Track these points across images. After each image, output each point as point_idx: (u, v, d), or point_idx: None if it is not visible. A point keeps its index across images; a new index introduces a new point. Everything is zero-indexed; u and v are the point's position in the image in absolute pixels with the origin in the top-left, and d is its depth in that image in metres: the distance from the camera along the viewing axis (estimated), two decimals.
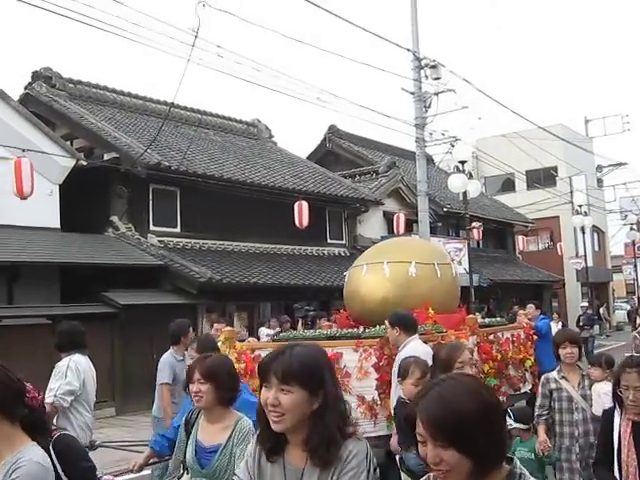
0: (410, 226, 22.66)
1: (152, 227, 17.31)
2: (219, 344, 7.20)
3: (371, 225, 24.12)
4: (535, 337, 9.77)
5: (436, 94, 19.82)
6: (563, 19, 74.89)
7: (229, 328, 7.91)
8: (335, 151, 28.02)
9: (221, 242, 18.58)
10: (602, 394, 5.12)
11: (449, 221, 26.75)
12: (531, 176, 34.33)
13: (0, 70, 39.28)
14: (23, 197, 12.25)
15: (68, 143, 17.15)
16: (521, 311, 11.13)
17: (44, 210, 15.33)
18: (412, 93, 19.90)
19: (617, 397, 3.99)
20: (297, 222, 17.18)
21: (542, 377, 5.60)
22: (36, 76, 18.96)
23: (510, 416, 6.00)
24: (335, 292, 20.00)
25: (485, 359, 8.09)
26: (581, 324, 21.37)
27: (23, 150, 12.41)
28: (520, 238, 31.19)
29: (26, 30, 54.42)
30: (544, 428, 5.47)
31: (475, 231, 21.07)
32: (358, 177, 25.63)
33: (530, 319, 10.26)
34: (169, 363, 7.18)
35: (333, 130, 27.98)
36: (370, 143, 29.26)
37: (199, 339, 5.61)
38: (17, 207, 13.33)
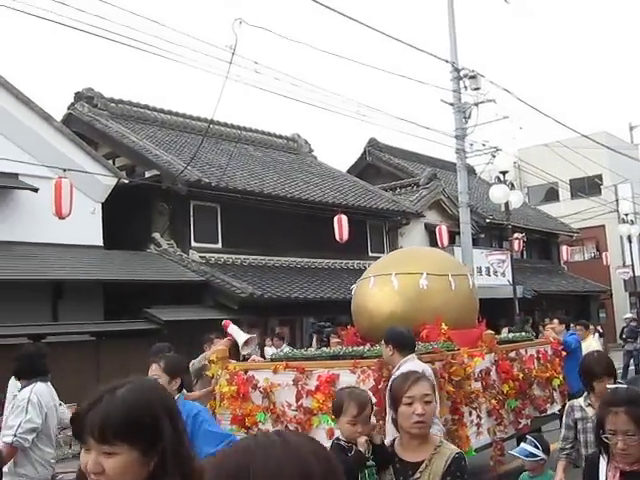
0: (452, 238, 22.46)
1: (193, 243, 17.41)
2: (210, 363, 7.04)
3: (413, 237, 23.95)
4: (564, 353, 9.06)
5: (476, 105, 19.65)
6: (604, 26, 73.98)
7: (222, 347, 7.22)
8: (375, 164, 27.95)
9: (262, 257, 18.60)
10: None
11: (492, 232, 26.44)
12: (575, 185, 33.83)
13: (44, 91, 40.06)
14: (61, 217, 12.41)
15: (110, 162, 17.39)
16: (548, 325, 10.23)
17: (87, 228, 15.54)
18: (451, 104, 19.77)
19: (602, 443, 3.26)
20: (337, 236, 17.13)
21: (567, 405, 4.88)
22: (78, 96, 19.31)
23: (535, 444, 5.18)
24: None
25: (504, 379, 7.53)
26: (624, 336, 20.86)
27: (64, 170, 12.58)
28: (565, 248, 30.74)
29: (69, 52, 55.53)
30: (564, 465, 4.74)
31: (516, 242, 20.78)
32: (399, 190, 25.50)
33: (557, 334, 9.49)
34: None
35: (373, 143, 27.93)
36: (410, 155, 29.14)
37: (167, 357, 4.67)
38: (61, 225, 13.51)
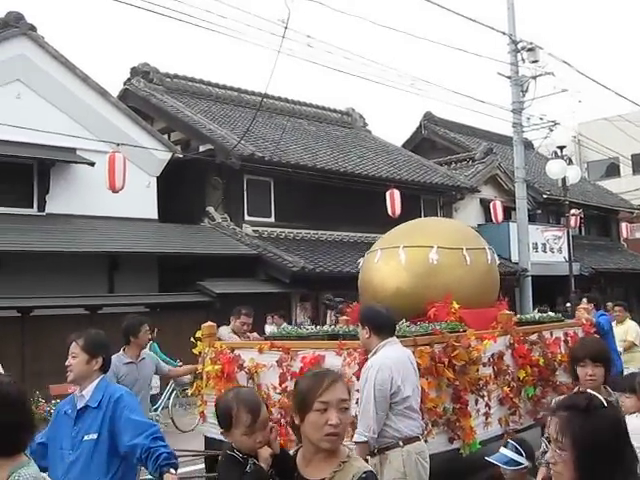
0: (508, 213, 22.19)
1: (247, 217, 17.56)
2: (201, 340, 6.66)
3: (468, 213, 23.69)
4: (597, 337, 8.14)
5: (534, 78, 19.32)
6: None
7: (209, 323, 6.86)
8: (431, 138, 27.67)
9: (314, 231, 18.65)
10: (635, 434, 3.96)
11: (549, 208, 25.96)
12: (637, 160, 33.01)
13: (101, 68, 40.65)
14: (115, 191, 12.61)
15: (165, 136, 17.62)
16: (581, 305, 9.21)
17: (142, 202, 15.83)
18: (509, 77, 19.47)
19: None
20: (390, 210, 17.06)
21: (553, 401, 4.26)
22: (134, 72, 19.56)
23: (517, 449, 4.49)
24: None
25: (521, 364, 6.81)
26: None
27: (117, 144, 12.77)
28: (625, 225, 29.99)
29: (125, 28, 56.14)
30: (545, 473, 4.03)
31: (574, 218, 20.39)
32: (454, 164, 25.22)
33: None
34: (111, 367, 6.10)
35: (428, 117, 27.62)
36: (466, 129, 28.75)
37: (87, 334, 4.10)
38: (117, 199, 13.77)
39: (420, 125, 27.78)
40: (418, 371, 5.11)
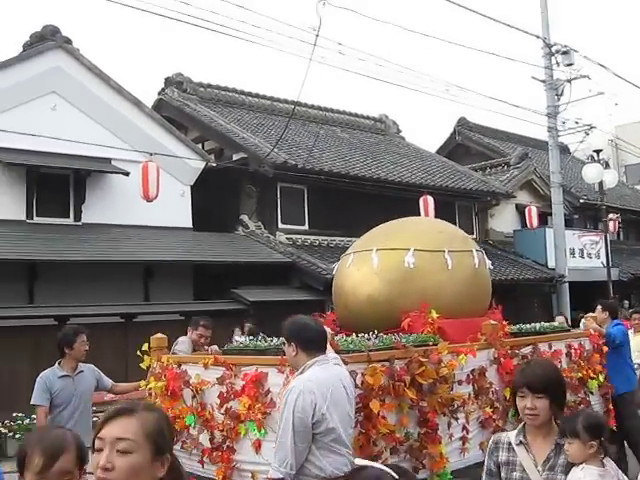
0: (544, 219, 21.94)
1: (280, 225, 17.59)
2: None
3: (503, 219, 23.51)
4: (605, 348, 7.42)
5: (569, 81, 19.12)
6: None
7: (159, 335, 6.24)
8: (465, 144, 27.52)
9: (348, 238, 18.54)
10: None
11: (586, 213, 25.62)
12: None
13: (135, 78, 41.15)
14: (149, 200, 12.71)
15: (199, 145, 17.75)
16: (589, 314, 8.18)
17: (177, 210, 15.96)
18: (543, 81, 19.29)
19: None
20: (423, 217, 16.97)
21: (491, 439, 3.56)
22: (168, 82, 19.75)
23: None
24: None
25: (508, 381, 5.75)
26: None
27: (151, 154, 12.89)
28: None
29: (158, 39, 56.76)
30: None
31: (611, 223, 20.10)
32: (489, 169, 25.04)
33: (600, 324, 7.79)
34: (44, 381, 5.98)
35: (462, 122, 27.48)
36: (501, 134, 28.55)
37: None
38: (152, 208, 13.88)
39: (454, 131, 27.66)
40: (369, 392, 4.68)
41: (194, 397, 5.41)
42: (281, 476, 3.84)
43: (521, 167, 24.16)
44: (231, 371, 5.08)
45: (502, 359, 5.98)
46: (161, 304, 14.00)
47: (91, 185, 14.90)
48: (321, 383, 3.95)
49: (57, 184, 14.56)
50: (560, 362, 6.58)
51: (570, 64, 18.86)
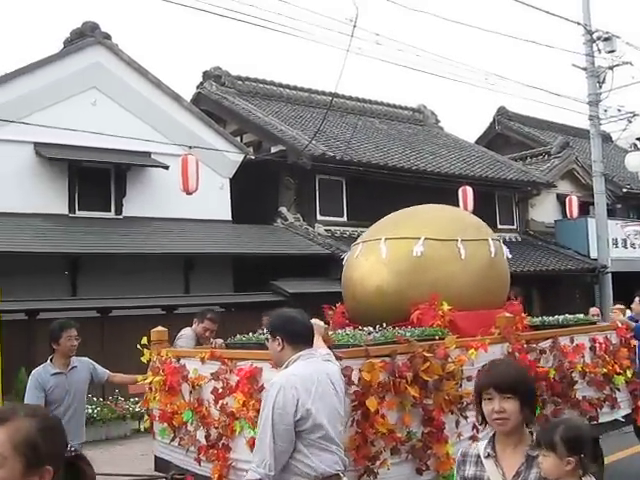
0: (586, 209, 21.63)
1: (319, 217, 17.61)
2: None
3: (544, 209, 23.24)
4: (635, 342, 7.20)
5: (610, 68, 18.80)
6: None
7: (160, 328, 6.11)
8: (505, 133, 27.21)
9: None
10: None
11: (629, 202, 25.21)
12: None
13: (174, 73, 41.52)
14: (188, 193, 12.80)
15: (238, 138, 17.84)
16: (616, 306, 7.73)
17: (216, 203, 16.07)
18: (584, 69, 19.00)
19: None
20: (462, 207, 16.84)
21: (459, 451, 3.20)
22: (207, 75, 19.89)
23: None
24: None
25: None
26: None
27: (190, 147, 12.98)
28: None
29: (196, 33, 57.09)
30: None
31: None
32: (529, 159, 24.73)
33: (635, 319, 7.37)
34: (37, 379, 5.80)
35: (502, 112, 27.17)
36: (541, 123, 28.17)
37: None
38: (192, 201, 13.99)
39: (494, 120, 27.37)
40: (367, 389, 4.49)
41: (191, 392, 5.26)
42: (258, 477, 3.59)
43: (562, 156, 23.83)
44: (226, 366, 4.90)
45: (517, 354, 5.64)
46: (201, 296, 14.11)
47: (131, 179, 15.08)
48: (305, 377, 3.70)
49: (98, 178, 14.76)
50: (583, 357, 6.32)
51: (612, 51, 18.55)
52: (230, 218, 16.49)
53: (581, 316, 7.18)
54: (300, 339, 3.88)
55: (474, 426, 5.08)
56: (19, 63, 15.92)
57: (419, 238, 6.11)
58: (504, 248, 6.72)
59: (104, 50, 15.10)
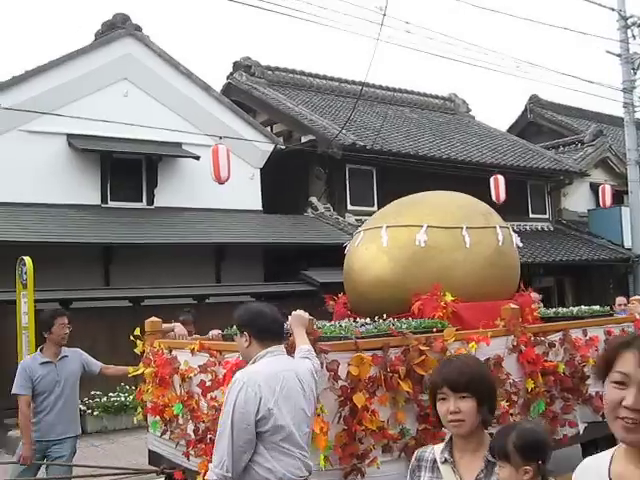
0: (620, 198, 21.35)
1: (349, 206, 17.58)
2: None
3: (577, 198, 22.98)
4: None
5: None
6: None
7: (154, 319, 5.97)
8: (537, 122, 26.92)
9: None
10: None
11: None
12: None
13: (204, 63, 41.63)
14: (220, 182, 12.85)
15: (268, 128, 17.85)
16: (636, 296, 7.41)
17: (246, 193, 16.12)
18: (618, 55, 18.75)
19: None
20: (494, 197, 16.71)
21: (414, 454, 2.94)
22: (237, 66, 19.92)
23: None
24: (539, 269, 19.38)
25: (529, 372, 5.34)
26: None
27: (220, 137, 13.03)
28: None
29: (225, 23, 57.19)
30: None
31: None
32: (562, 148, 24.46)
33: None
34: (24, 368, 5.80)
35: (534, 100, 26.86)
36: (574, 111, 27.81)
37: None
38: (222, 191, 14.06)
39: (525, 108, 27.08)
40: (355, 384, 4.28)
41: (181, 385, 5.11)
42: (215, 478, 3.40)
43: (595, 145, 23.53)
44: (215, 358, 4.74)
45: (523, 347, 5.37)
46: (232, 285, 14.20)
47: (163, 169, 15.18)
48: (270, 375, 3.50)
49: (130, 169, 14.88)
50: (597, 350, 5.97)
51: None
52: (261, 208, 16.54)
53: (597, 307, 6.86)
54: (268, 335, 3.68)
55: None
56: (52, 55, 16.13)
57: (422, 226, 5.86)
58: (514, 236, 6.48)
59: (135, 42, 15.19)
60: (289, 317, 4.25)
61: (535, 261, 18.18)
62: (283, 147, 17.11)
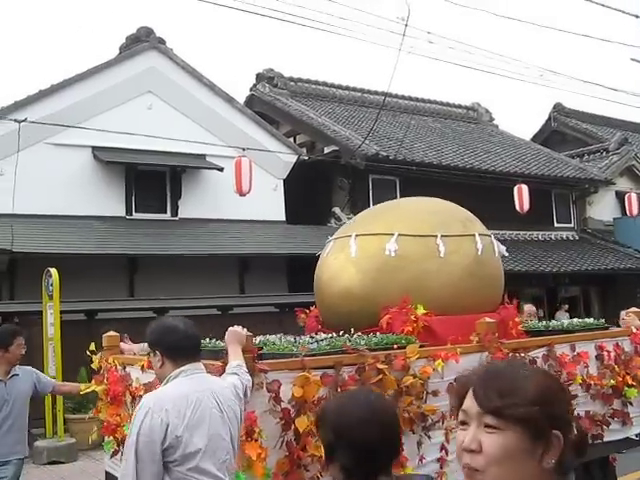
0: None
1: None
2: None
3: (602, 206, 22.78)
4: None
5: None
6: None
7: (112, 333, 5.63)
8: (561, 130, 26.76)
9: None
10: None
11: None
12: None
13: (227, 75, 41.88)
14: (242, 194, 12.89)
15: (291, 139, 17.92)
16: (632, 309, 6.64)
17: (270, 204, 16.16)
18: None
19: None
20: (517, 206, 16.61)
21: None
22: (259, 77, 20.05)
23: None
24: (564, 278, 19.23)
25: None
26: None
27: (244, 149, 13.08)
28: None
29: (248, 36, 57.51)
30: None
31: None
32: (587, 156, 24.29)
33: None
34: None
35: (558, 108, 26.71)
36: (599, 119, 27.60)
37: None
38: (246, 202, 14.08)
39: (549, 117, 26.94)
40: (300, 406, 3.90)
41: (132, 403, 4.74)
42: None
43: (621, 153, 23.34)
44: None
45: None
46: (256, 296, 14.22)
47: (187, 181, 15.28)
48: (180, 398, 3.15)
49: (154, 181, 15.00)
50: (587, 367, 5.56)
51: None
52: (284, 219, 16.57)
53: (590, 320, 6.49)
54: (181, 353, 3.32)
55: (442, 447, 4.46)
56: (78, 69, 16.36)
57: (392, 234, 5.45)
58: (497, 245, 5.96)
59: (159, 55, 15.34)
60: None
61: (560, 271, 18.03)
62: (306, 158, 17.16)
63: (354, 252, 5.52)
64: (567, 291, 20.36)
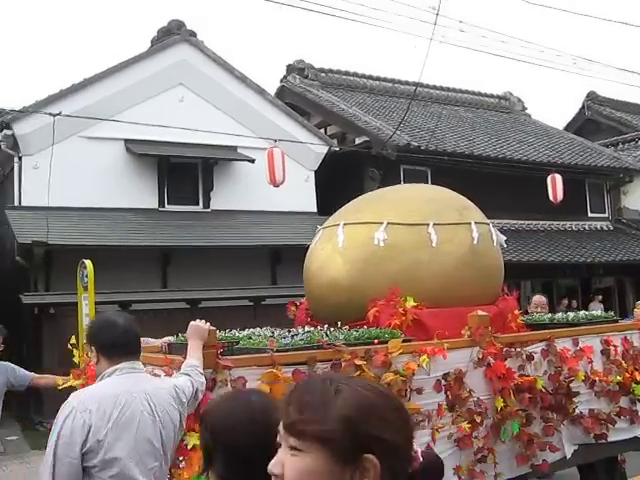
0: None
1: None
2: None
3: (638, 196, 22.43)
4: None
5: None
6: None
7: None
8: (595, 119, 26.41)
9: None
10: None
11: None
12: None
13: (258, 67, 42.02)
14: (275, 185, 12.91)
15: (322, 131, 17.90)
16: None
17: (301, 195, 16.18)
18: None
19: None
20: (551, 196, 16.44)
21: None
22: (290, 69, 20.04)
23: None
24: (598, 269, 19.02)
25: (499, 389, 4.56)
26: None
27: (275, 140, 13.11)
28: None
29: (279, 27, 57.53)
30: None
31: None
32: (621, 145, 23.96)
33: None
34: None
35: (592, 97, 26.36)
36: (634, 107, 27.16)
37: None
38: (277, 194, 14.11)
39: (583, 106, 26.60)
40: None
41: None
42: None
43: None
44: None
45: (491, 359, 4.59)
46: (288, 287, 14.24)
47: (219, 173, 15.36)
48: (106, 398, 2.94)
49: (186, 173, 15.09)
50: (591, 362, 5.21)
51: None
52: (316, 210, 16.58)
53: (598, 313, 6.18)
54: (117, 350, 3.11)
55: (427, 447, 4.15)
56: (110, 63, 16.55)
57: (381, 223, 5.16)
58: (495, 234, 5.62)
59: (190, 47, 15.41)
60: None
61: (595, 261, 17.84)
62: (337, 149, 17.15)
63: (341, 242, 5.25)
64: (601, 282, 20.13)
